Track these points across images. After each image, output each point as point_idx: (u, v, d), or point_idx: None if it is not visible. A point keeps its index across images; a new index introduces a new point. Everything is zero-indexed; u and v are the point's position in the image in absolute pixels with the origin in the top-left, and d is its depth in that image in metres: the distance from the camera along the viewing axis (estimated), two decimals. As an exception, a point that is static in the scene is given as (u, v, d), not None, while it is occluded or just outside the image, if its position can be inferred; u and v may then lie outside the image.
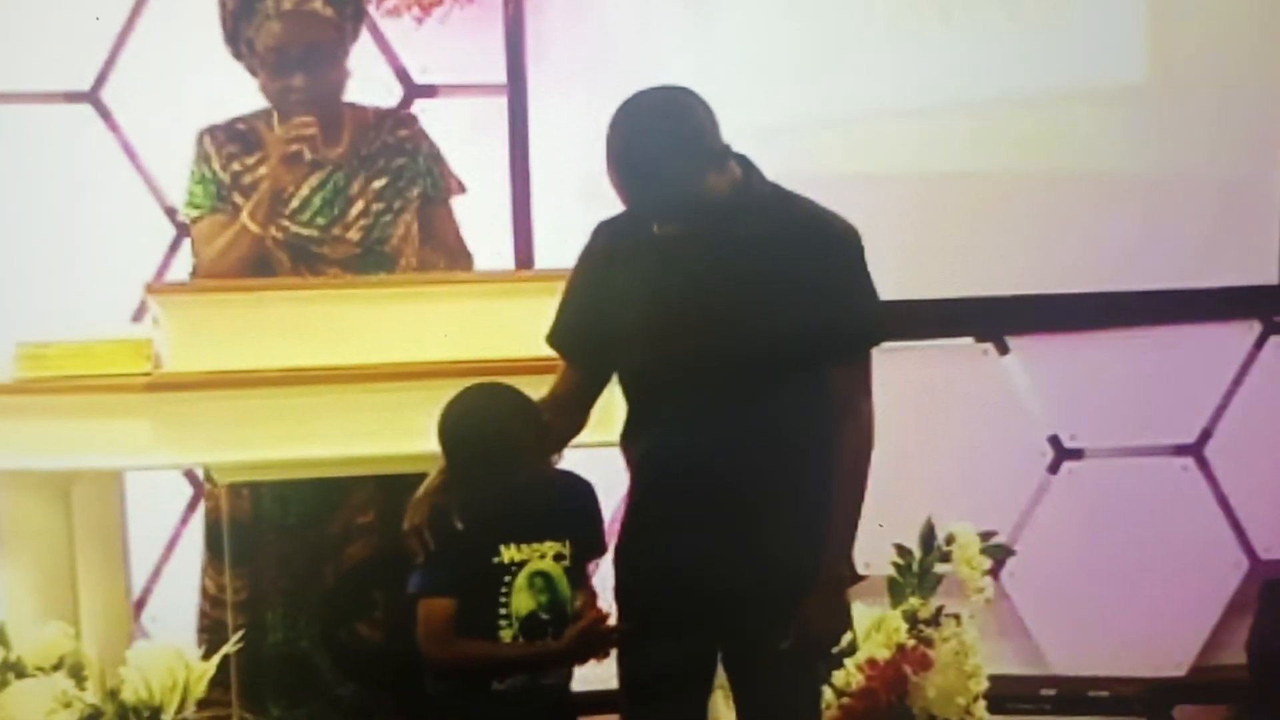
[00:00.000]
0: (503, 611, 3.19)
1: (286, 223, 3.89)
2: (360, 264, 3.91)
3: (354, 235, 3.91)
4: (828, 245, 3.13)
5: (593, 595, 3.27)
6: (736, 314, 3.09)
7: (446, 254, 4.01)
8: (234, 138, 3.93)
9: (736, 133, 3.12)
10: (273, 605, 3.89)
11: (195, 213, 3.93)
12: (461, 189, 4.05)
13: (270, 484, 3.83)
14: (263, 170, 3.86)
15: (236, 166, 3.91)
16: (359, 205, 3.92)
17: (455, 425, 3.21)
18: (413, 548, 3.21)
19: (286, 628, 3.90)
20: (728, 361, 3.09)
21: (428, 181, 3.98)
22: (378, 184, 3.93)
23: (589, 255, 3.25)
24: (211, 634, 3.87)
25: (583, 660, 3.23)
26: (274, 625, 3.90)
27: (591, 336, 3.23)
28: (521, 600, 3.20)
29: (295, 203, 3.89)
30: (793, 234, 3.12)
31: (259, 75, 3.88)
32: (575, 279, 3.27)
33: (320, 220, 3.91)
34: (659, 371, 3.15)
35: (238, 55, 3.91)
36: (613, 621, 3.20)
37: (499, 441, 3.18)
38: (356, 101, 4.00)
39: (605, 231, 3.24)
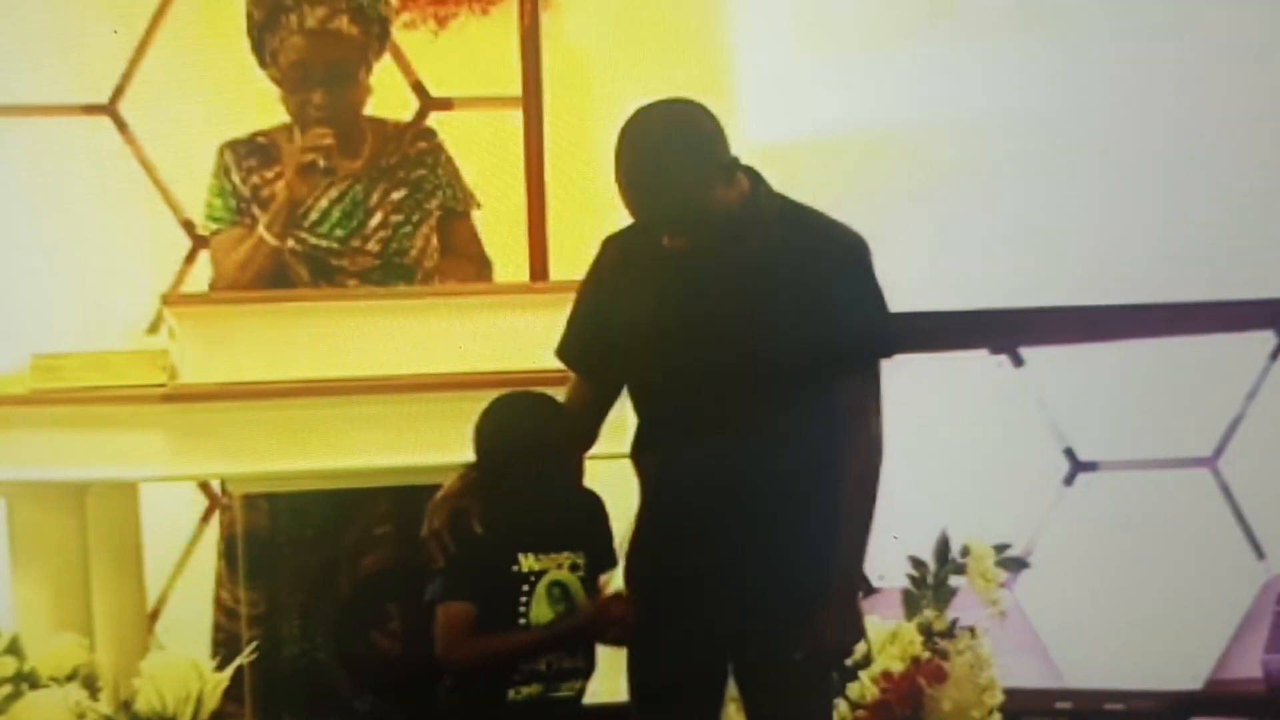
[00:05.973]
0: (522, 621, 3.19)
1: (305, 235, 3.89)
2: (379, 276, 3.91)
3: (373, 247, 3.91)
4: (836, 257, 3.13)
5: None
6: (745, 326, 3.09)
7: (466, 264, 4.01)
8: (254, 151, 3.94)
9: (748, 145, 3.14)
10: (289, 618, 3.89)
11: (215, 225, 3.95)
12: (476, 205, 4.05)
13: (287, 497, 3.84)
14: (281, 184, 3.86)
15: (256, 180, 3.92)
16: (378, 217, 3.92)
17: (496, 432, 3.21)
18: (431, 552, 3.21)
19: (303, 640, 3.89)
20: (737, 373, 3.09)
21: (448, 193, 3.98)
22: (396, 195, 3.94)
23: (598, 269, 3.25)
24: (227, 647, 3.88)
25: (600, 638, 3.23)
26: (290, 638, 3.89)
27: (601, 350, 3.23)
28: (541, 609, 3.20)
29: (314, 215, 3.90)
30: (801, 246, 3.12)
31: (281, 88, 3.89)
32: (584, 292, 3.27)
33: (339, 232, 3.91)
34: (668, 384, 3.15)
35: (263, 64, 3.92)
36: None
37: (540, 451, 3.19)
38: (377, 115, 4.00)
39: (614, 245, 3.23)
